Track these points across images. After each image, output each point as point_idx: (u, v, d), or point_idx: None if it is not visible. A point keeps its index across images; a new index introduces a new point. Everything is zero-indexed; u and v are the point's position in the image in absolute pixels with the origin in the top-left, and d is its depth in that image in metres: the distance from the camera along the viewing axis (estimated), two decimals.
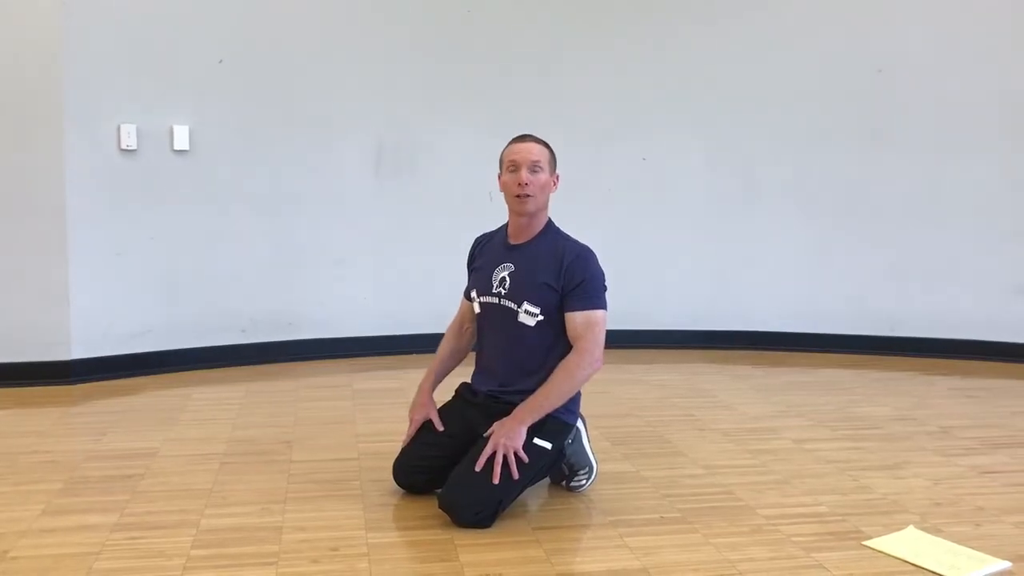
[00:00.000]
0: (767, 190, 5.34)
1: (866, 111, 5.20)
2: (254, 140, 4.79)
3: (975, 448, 3.46)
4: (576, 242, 2.83)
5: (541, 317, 2.73)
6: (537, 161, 2.79)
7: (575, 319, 2.70)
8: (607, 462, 3.21)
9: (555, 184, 2.85)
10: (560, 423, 2.76)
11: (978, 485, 3.04)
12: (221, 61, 4.67)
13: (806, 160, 5.29)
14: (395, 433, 3.26)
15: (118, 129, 4.46)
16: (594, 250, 2.82)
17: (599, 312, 2.71)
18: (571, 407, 2.82)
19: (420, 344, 5.02)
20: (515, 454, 2.58)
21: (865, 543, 2.52)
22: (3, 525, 2.60)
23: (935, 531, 2.61)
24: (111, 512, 2.70)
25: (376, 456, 3.24)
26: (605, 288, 2.76)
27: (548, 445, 2.71)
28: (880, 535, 2.57)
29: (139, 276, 4.58)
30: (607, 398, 4.21)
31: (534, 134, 2.88)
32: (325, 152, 4.94)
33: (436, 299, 5.20)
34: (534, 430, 2.68)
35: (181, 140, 4.60)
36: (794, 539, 2.55)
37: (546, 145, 2.85)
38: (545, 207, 2.85)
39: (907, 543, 2.51)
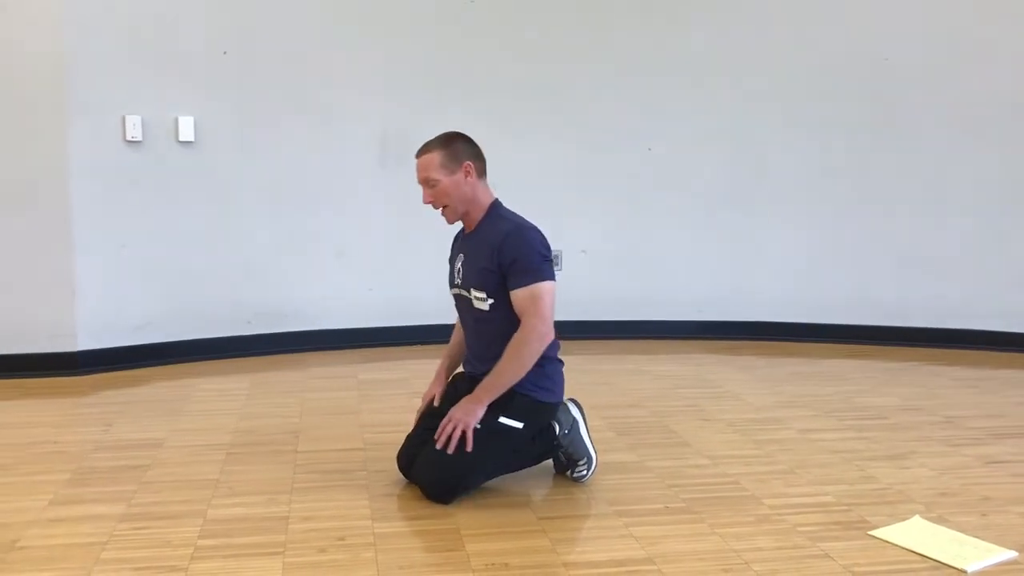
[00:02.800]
0: (772, 180, 5.33)
1: (873, 100, 5.18)
2: (258, 131, 4.79)
3: (981, 438, 3.46)
4: (512, 221, 2.80)
5: (491, 300, 2.76)
6: (427, 177, 2.79)
7: (518, 295, 2.69)
8: (612, 452, 3.21)
9: (468, 173, 2.78)
10: (531, 401, 2.76)
11: (984, 475, 3.04)
12: (225, 52, 4.67)
13: (811, 150, 5.27)
14: (400, 423, 3.27)
15: (123, 120, 4.46)
16: (537, 227, 2.82)
17: (540, 284, 2.68)
18: (543, 384, 2.79)
19: (424, 334, 5.04)
20: (470, 432, 2.63)
21: (871, 533, 2.52)
22: (11, 515, 2.61)
23: (941, 521, 2.61)
24: (118, 502, 2.71)
25: (381, 446, 3.25)
26: (547, 259, 2.72)
27: (519, 424, 2.73)
28: (886, 525, 2.57)
29: (145, 267, 4.59)
30: (611, 388, 4.21)
31: (430, 141, 2.82)
32: (329, 142, 4.94)
33: (439, 289, 5.20)
34: (499, 408, 2.70)
35: (186, 131, 4.60)
36: (800, 529, 2.55)
37: (438, 146, 2.78)
38: (473, 199, 2.83)
39: (913, 533, 2.51)
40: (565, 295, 5.27)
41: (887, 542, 2.46)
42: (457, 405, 2.70)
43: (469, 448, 2.63)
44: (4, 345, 4.31)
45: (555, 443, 2.88)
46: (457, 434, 2.65)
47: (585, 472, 2.90)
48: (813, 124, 5.24)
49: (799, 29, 5.21)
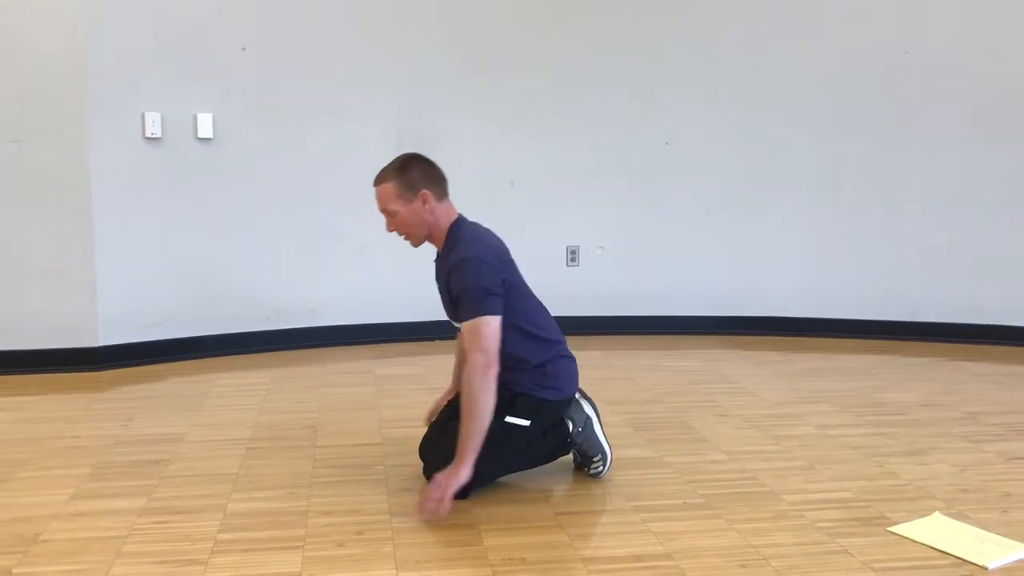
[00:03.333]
0: (789, 175, 5.30)
1: (890, 95, 5.14)
2: (276, 128, 4.80)
3: (1003, 434, 3.43)
4: (461, 250, 2.71)
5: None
6: (385, 208, 2.78)
7: (463, 329, 2.66)
8: (629, 448, 3.21)
9: (425, 201, 2.72)
10: (535, 400, 2.77)
11: (1005, 471, 3.02)
12: (244, 49, 4.68)
13: (828, 144, 5.24)
14: (418, 419, 3.28)
15: (143, 117, 4.48)
16: (490, 248, 2.73)
17: (478, 319, 2.60)
18: (546, 384, 2.79)
19: (442, 330, 5.01)
20: (448, 494, 2.53)
21: (890, 529, 2.51)
22: (34, 509, 2.64)
23: (961, 517, 2.60)
24: (139, 496, 2.73)
25: (399, 442, 3.26)
26: (488, 292, 2.62)
27: (525, 422, 2.74)
28: (906, 521, 2.56)
29: (165, 264, 4.62)
30: (629, 384, 4.21)
31: (385, 169, 2.79)
32: (347, 139, 4.95)
33: None
34: (505, 409, 2.69)
35: (205, 128, 4.62)
36: (819, 525, 2.54)
37: (392, 175, 2.74)
38: (434, 224, 2.77)
39: (933, 529, 2.50)
40: (583, 291, 5.34)
41: (907, 538, 2.45)
42: (444, 471, 2.59)
43: (445, 512, 2.53)
44: (26, 341, 4.35)
45: (568, 440, 2.88)
46: (440, 506, 2.52)
47: (601, 468, 2.90)
48: (831, 118, 5.21)
49: (817, 21, 5.17)
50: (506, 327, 2.67)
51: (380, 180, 2.76)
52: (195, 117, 4.60)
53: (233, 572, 2.24)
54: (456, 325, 2.77)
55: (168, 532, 2.48)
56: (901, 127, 5.16)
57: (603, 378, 4.27)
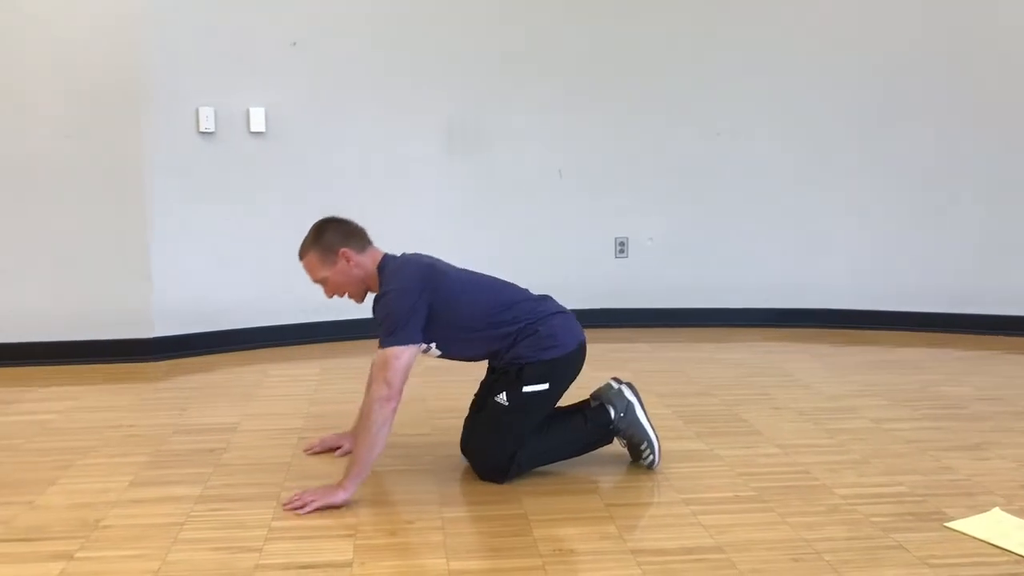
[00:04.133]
0: (844, 164, 5.21)
1: (948, 83, 5.03)
2: (327, 121, 4.85)
3: None
4: (382, 286, 2.75)
5: (430, 346, 2.79)
6: (315, 279, 2.82)
7: (375, 356, 2.67)
8: (680, 441, 3.19)
9: (347, 259, 2.76)
10: (542, 364, 2.76)
11: None
12: (295, 43, 4.73)
13: (885, 134, 5.14)
14: (465, 410, 3.29)
15: (196, 112, 4.55)
16: (411, 277, 2.74)
17: (387, 350, 2.61)
18: (545, 344, 2.77)
19: None
20: (312, 508, 2.55)
21: (947, 524, 2.46)
22: (95, 495, 2.70)
23: (1021, 514, 2.54)
24: (195, 484, 2.78)
25: (447, 432, 3.28)
26: (399, 323, 2.64)
27: (544, 386, 2.76)
28: (963, 517, 2.51)
29: (217, 256, 4.69)
30: (680, 376, 4.18)
31: (304, 242, 2.83)
32: (397, 132, 4.97)
33: (507, 276, 5.21)
34: (518, 381, 2.74)
35: (257, 122, 4.68)
36: (873, 519, 2.51)
37: (310, 246, 2.79)
38: (365, 276, 2.80)
39: (992, 525, 2.45)
40: (632, 283, 5.31)
41: (964, 534, 2.40)
42: (323, 486, 2.64)
43: (302, 513, 2.54)
44: (84, 332, 4.45)
45: (611, 428, 2.87)
46: (301, 509, 2.54)
47: (652, 457, 2.88)
48: (888, 107, 5.11)
49: (873, 9, 5.07)
50: (471, 329, 2.77)
51: (302, 255, 2.82)
52: (247, 111, 4.66)
53: (286, 559, 2.28)
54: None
55: (223, 519, 2.53)
56: (959, 115, 5.04)
57: (653, 371, 4.25)
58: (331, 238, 2.78)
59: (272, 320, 4.84)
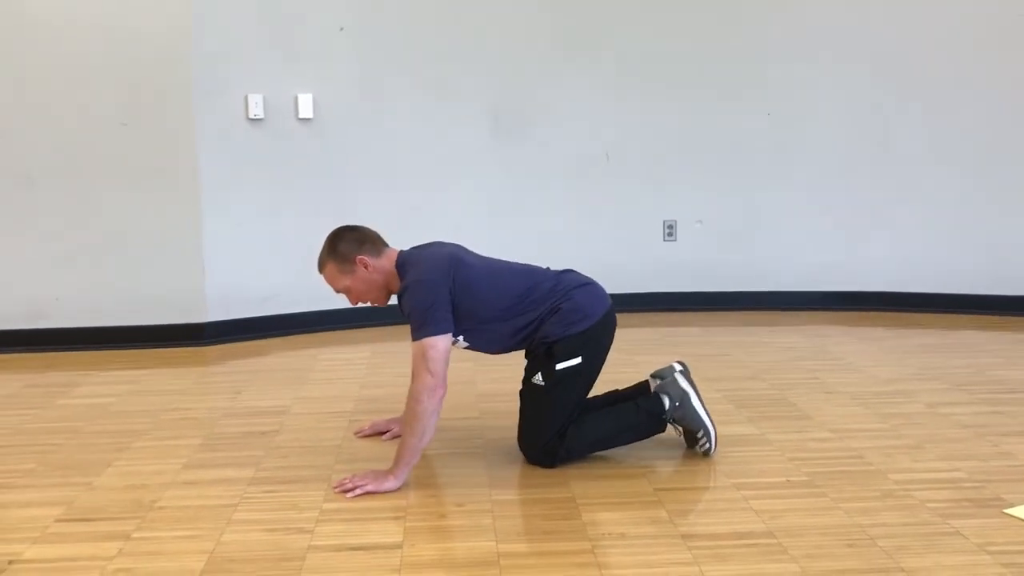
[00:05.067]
0: (898, 144, 5.11)
1: (1008, 59, 4.90)
2: (374, 107, 4.87)
3: None
4: (406, 277, 2.75)
5: (459, 338, 2.79)
6: (337, 289, 2.84)
7: (412, 350, 2.66)
8: (730, 424, 3.16)
9: (365, 265, 2.77)
10: (572, 339, 2.75)
11: None
12: (342, 29, 4.75)
13: (941, 113, 5.02)
14: (513, 393, 3.28)
15: (246, 99, 4.59)
16: (433, 269, 2.73)
17: (422, 342, 2.61)
18: (573, 319, 2.75)
19: None
20: (360, 492, 2.58)
21: (1006, 511, 2.41)
22: (150, 477, 2.75)
23: None
24: (247, 466, 2.82)
25: (496, 415, 3.29)
26: (427, 312, 2.64)
27: (576, 360, 2.74)
28: (1023, 503, 2.45)
29: (268, 242, 4.73)
30: (730, 360, 4.14)
31: (320, 254, 2.84)
32: (444, 117, 4.98)
33: (554, 260, 5.19)
34: (551, 359, 2.74)
35: (305, 108, 4.71)
36: (929, 505, 2.46)
37: (327, 257, 2.81)
38: (385, 279, 2.81)
39: None
40: (682, 266, 5.27)
41: None
42: (377, 470, 2.67)
43: (350, 496, 2.57)
44: (139, 316, 4.53)
45: (663, 417, 2.85)
46: (351, 492, 2.58)
47: (708, 444, 2.85)
48: (944, 85, 4.99)
49: None
50: (496, 320, 2.77)
51: (320, 267, 2.84)
52: (296, 98, 4.70)
53: (337, 540, 2.30)
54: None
55: (276, 501, 2.56)
56: (1013, 97, 4.90)
57: (703, 355, 4.21)
58: (346, 247, 2.80)
59: (323, 304, 4.87)
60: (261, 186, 4.68)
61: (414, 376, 2.63)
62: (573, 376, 2.77)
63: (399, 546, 2.26)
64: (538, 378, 2.77)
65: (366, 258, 2.79)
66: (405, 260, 2.81)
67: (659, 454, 2.89)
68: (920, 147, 5.08)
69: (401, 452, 2.62)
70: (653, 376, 2.94)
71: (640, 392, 2.94)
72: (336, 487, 2.61)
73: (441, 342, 2.63)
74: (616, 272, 5.20)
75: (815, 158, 5.19)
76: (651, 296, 5.23)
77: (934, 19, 4.96)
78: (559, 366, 2.75)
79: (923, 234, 5.14)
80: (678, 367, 2.92)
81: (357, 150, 4.86)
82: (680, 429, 2.90)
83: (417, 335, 2.64)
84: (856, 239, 5.22)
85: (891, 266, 5.21)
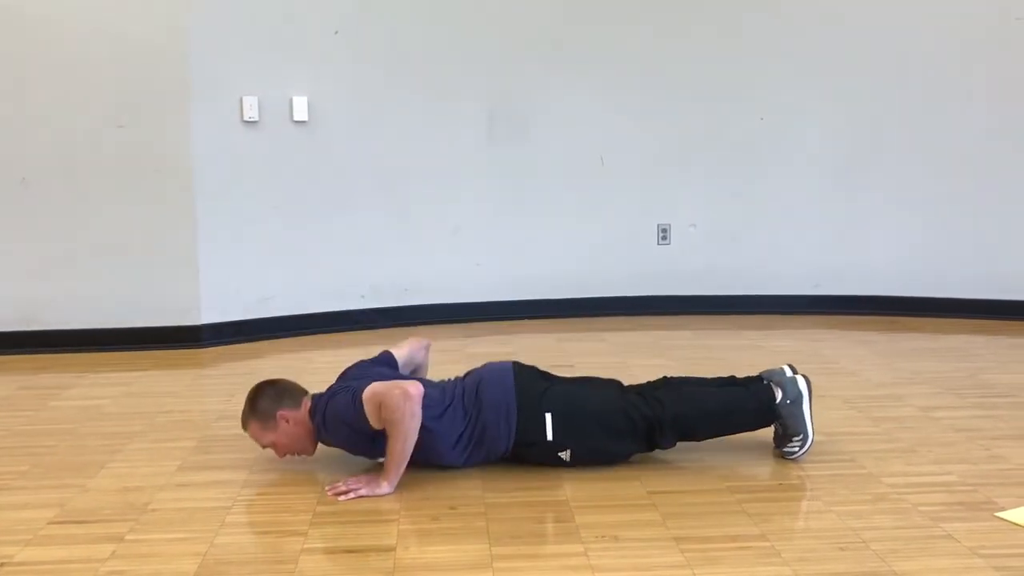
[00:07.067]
0: (890, 148, 5.13)
1: (1003, 62, 4.92)
2: (369, 110, 4.87)
3: None
4: (323, 406, 2.75)
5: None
6: (263, 445, 2.80)
7: (365, 403, 2.64)
8: None
9: (286, 420, 2.74)
10: (519, 434, 2.72)
11: None
12: (336, 32, 4.75)
13: (932, 117, 5.05)
14: None
15: (240, 101, 4.59)
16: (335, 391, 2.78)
17: (365, 392, 2.63)
18: (499, 431, 2.73)
19: (533, 309, 5.06)
20: (355, 495, 2.59)
21: (998, 514, 2.42)
22: (144, 479, 2.75)
23: None
24: (241, 469, 2.82)
25: None
26: (346, 393, 2.70)
27: (548, 416, 2.72)
28: (1015, 507, 2.46)
29: (263, 244, 4.73)
30: (724, 364, 4.14)
31: (243, 413, 2.79)
32: (439, 120, 4.98)
33: (549, 263, 5.21)
34: (540, 446, 2.73)
35: (300, 111, 4.71)
36: (921, 508, 2.47)
37: (249, 416, 2.76)
38: (308, 431, 2.77)
39: None
40: (676, 269, 5.28)
41: (1018, 525, 2.36)
42: (372, 474, 2.67)
43: (343, 500, 2.58)
44: (133, 319, 4.52)
45: (773, 406, 2.82)
46: (344, 496, 2.59)
47: (797, 450, 2.82)
48: (935, 89, 5.01)
49: None
50: (439, 445, 2.71)
51: (244, 425, 2.81)
52: (291, 101, 4.70)
53: (331, 543, 2.30)
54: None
55: (269, 504, 2.56)
56: (1010, 99, 4.93)
57: (697, 359, 4.22)
58: (265, 404, 2.76)
59: (316, 307, 4.89)
60: (256, 188, 4.68)
61: (384, 401, 2.59)
62: (568, 424, 2.73)
63: (392, 549, 2.26)
64: (563, 459, 2.75)
65: (286, 412, 2.76)
66: (316, 406, 2.77)
67: (652, 457, 2.89)
68: (913, 151, 5.10)
69: (389, 458, 2.62)
70: (764, 374, 2.91)
71: (752, 381, 2.92)
72: (330, 490, 2.62)
73: (381, 382, 2.65)
74: (610, 275, 5.23)
75: (808, 162, 5.20)
76: (644, 300, 5.23)
77: (930, 22, 4.98)
78: (549, 437, 2.72)
79: (915, 238, 5.16)
80: (789, 371, 2.88)
81: (352, 153, 4.87)
82: (779, 426, 2.87)
83: (355, 400, 2.64)
84: (849, 243, 5.24)
85: (884, 270, 5.22)
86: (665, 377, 2.96)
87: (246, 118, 4.60)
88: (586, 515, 2.45)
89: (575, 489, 2.63)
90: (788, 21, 5.10)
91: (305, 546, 2.28)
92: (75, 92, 4.35)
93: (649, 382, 2.93)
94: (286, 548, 2.27)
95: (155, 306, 4.53)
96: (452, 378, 2.93)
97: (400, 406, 2.57)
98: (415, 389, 2.59)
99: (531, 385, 2.79)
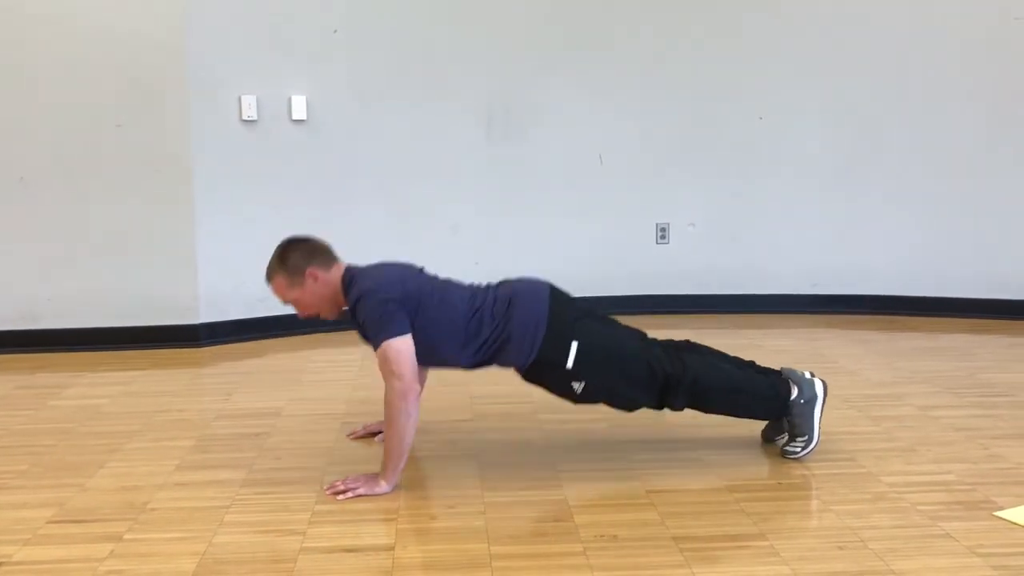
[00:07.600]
0: (889, 148, 5.12)
1: (1001, 62, 4.92)
2: (368, 108, 4.87)
3: None
4: (354, 293, 2.69)
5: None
6: (285, 300, 2.80)
7: (376, 356, 2.64)
8: (722, 427, 3.15)
9: (314, 278, 2.73)
10: (542, 351, 2.65)
11: None
12: (336, 31, 4.75)
13: (931, 116, 5.04)
14: (507, 395, 3.30)
15: (239, 100, 4.59)
16: (382, 278, 2.73)
17: (383, 346, 2.58)
18: (523, 346, 2.66)
19: None
20: (353, 494, 2.58)
21: (997, 514, 2.42)
22: (142, 479, 2.75)
23: None
24: (240, 468, 2.82)
25: (490, 417, 3.29)
26: (388, 317, 2.61)
27: (574, 345, 2.65)
28: (1013, 506, 2.46)
29: (261, 243, 4.68)
30: None
31: (269, 265, 2.80)
32: (437, 119, 4.98)
33: (548, 262, 5.19)
34: (555, 371, 2.67)
35: (299, 110, 4.71)
36: (920, 508, 2.47)
37: (276, 269, 2.78)
38: (333, 293, 2.76)
39: None
40: (673, 269, 5.28)
41: (1016, 524, 2.36)
42: (370, 474, 2.66)
43: (346, 498, 2.57)
44: (132, 318, 4.52)
45: (788, 401, 2.81)
46: (342, 495, 2.58)
47: (799, 450, 2.82)
48: (934, 89, 5.01)
49: None
50: (444, 338, 2.68)
51: (269, 278, 2.80)
52: (289, 99, 4.69)
53: (329, 542, 2.30)
54: None
55: (268, 503, 2.56)
56: (1008, 99, 4.93)
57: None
58: (296, 259, 2.76)
59: None
60: (255, 187, 4.68)
61: (385, 382, 2.61)
62: (589, 354, 2.68)
63: (391, 548, 2.26)
64: (575, 389, 2.71)
65: (316, 270, 2.75)
66: (354, 275, 2.77)
67: (651, 456, 2.89)
68: (913, 151, 5.09)
69: (387, 457, 2.61)
70: (784, 370, 2.91)
71: (772, 372, 2.92)
72: (328, 489, 2.61)
73: (402, 343, 2.59)
74: (609, 274, 5.23)
75: (808, 162, 5.20)
76: (643, 299, 5.23)
77: (928, 22, 4.98)
78: (569, 365, 2.66)
79: (914, 238, 5.16)
80: (808, 375, 2.88)
81: (351, 152, 4.86)
82: (786, 424, 2.87)
83: (377, 340, 2.61)
84: (848, 242, 5.23)
85: (883, 270, 5.22)
86: (689, 341, 2.93)
87: (245, 117, 4.60)
88: (585, 514, 2.45)
89: (574, 488, 2.63)
90: (788, 21, 5.10)
91: (304, 545, 2.28)
92: (74, 91, 4.34)
93: (672, 340, 2.91)
94: (285, 547, 2.27)
95: (154, 305, 4.53)
96: (485, 283, 2.86)
97: (395, 402, 2.57)
98: (413, 392, 2.58)
99: (564, 310, 2.74)
